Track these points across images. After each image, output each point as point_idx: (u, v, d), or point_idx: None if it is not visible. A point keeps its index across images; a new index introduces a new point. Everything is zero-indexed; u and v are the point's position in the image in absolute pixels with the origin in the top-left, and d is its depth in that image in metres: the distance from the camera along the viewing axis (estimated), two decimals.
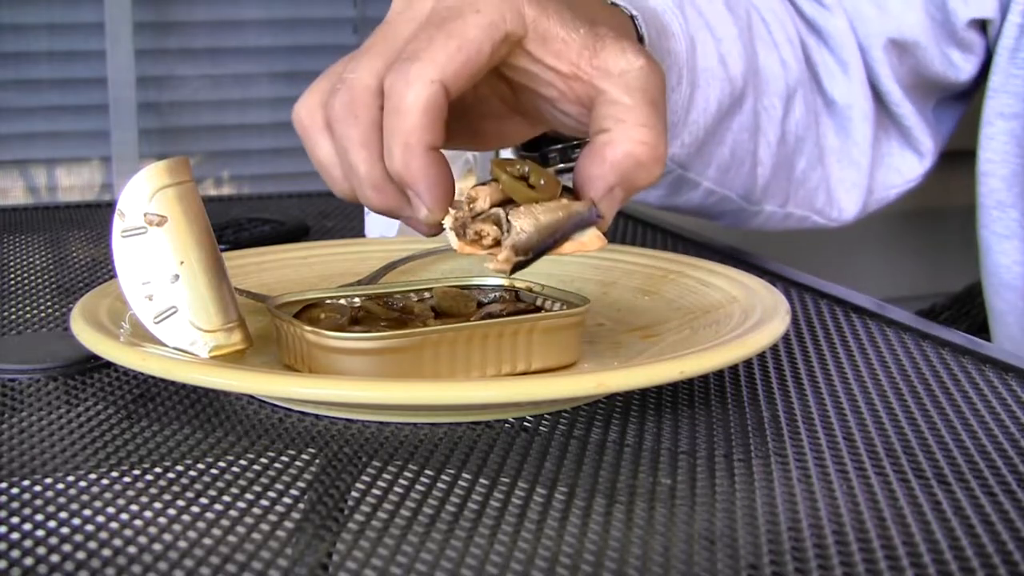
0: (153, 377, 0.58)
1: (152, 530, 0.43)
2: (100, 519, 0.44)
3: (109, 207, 0.93)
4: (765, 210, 0.88)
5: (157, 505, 0.45)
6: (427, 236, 0.56)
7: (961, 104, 0.91)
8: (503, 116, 0.61)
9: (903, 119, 0.88)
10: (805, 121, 0.86)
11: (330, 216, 1.03)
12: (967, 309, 1.20)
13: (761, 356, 0.62)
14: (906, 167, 0.90)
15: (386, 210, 0.55)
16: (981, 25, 0.84)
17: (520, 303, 0.61)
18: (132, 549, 0.41)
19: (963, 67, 0.86)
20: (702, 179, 0.83)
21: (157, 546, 0.42)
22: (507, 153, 0.75)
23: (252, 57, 1.73)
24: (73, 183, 1.68)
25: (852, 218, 0.91)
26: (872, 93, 0.87)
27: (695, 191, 0.84)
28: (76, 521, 0.43)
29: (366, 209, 0.86)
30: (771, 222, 0.90)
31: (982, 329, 0.95)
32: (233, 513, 0.44)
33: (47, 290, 0.77)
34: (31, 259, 0.85)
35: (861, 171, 0.89)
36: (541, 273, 0.66)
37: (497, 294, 0.63)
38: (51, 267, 0.83)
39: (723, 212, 0.88)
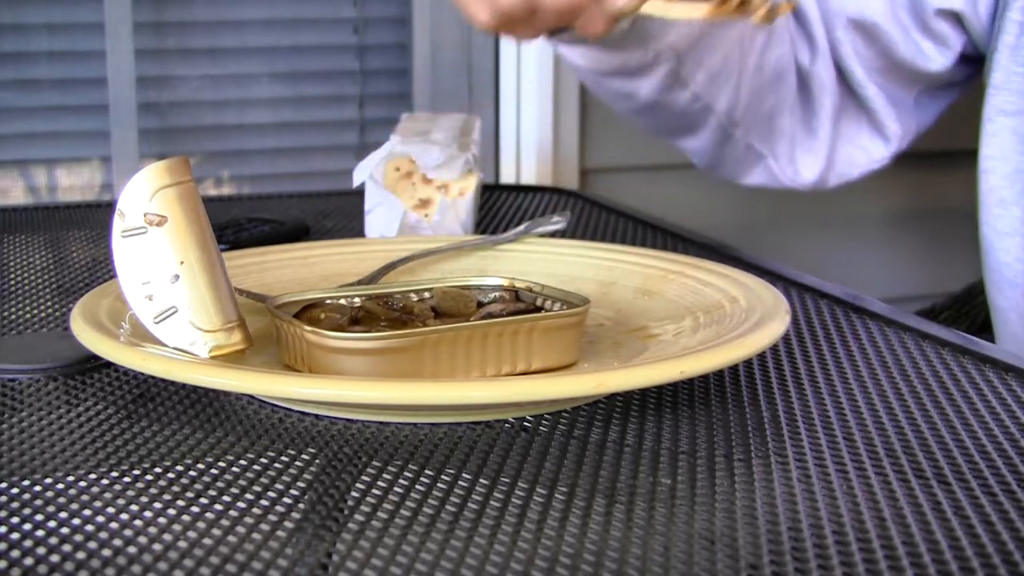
0: (153, 377, 0.58)
1: (152, 530, 0.43)
2: (100, 519, 0.44)
3: (109, 207, 0.93)
4: (734, 136, 0.92)
5: (157, 505, 0.45)
6: (599, 35, 0.64)
7: (945, 96, 0.93)
8: None
9: (868, 101, 0.91)
10: (780, 65, 0.90)
11: (330, 216, 1.02)
12: (967, 309, 1.19)
13: (761, 356, 0.62)
14: (872, 148, 0.94)
15: (571, 7, 0.59)
16: (958, 19, 0.86)
17: (520, 303, 0.61)
18: (132, 549, 0.41)
19: (935, 57, 0.88)
20: (691, 80, 0.87)
21: (157, 546, 0.42)
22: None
23: (252, 57, 1.73)
24: (73, 183, 1.68)
25: (809, 184, 0.95)
26: (837, 71, 0.90)
27: (683, 92, 0.88)
28: (76, 521, 0.43)
29: (366, 209, 0.86)
30: (733, 156, 0.94)
31: (983, 329, 0.95)
32: (233, 513, 0.44)
33: (47, 290, 0.77)
34: (31, 259, 0.85)
35: (820, 142, 0.93)
36: (541, 273, 0.66)
37: (497, 294, 0.63)
38: (51, 267, 0.83)
39: (700, 126, 0.91)
